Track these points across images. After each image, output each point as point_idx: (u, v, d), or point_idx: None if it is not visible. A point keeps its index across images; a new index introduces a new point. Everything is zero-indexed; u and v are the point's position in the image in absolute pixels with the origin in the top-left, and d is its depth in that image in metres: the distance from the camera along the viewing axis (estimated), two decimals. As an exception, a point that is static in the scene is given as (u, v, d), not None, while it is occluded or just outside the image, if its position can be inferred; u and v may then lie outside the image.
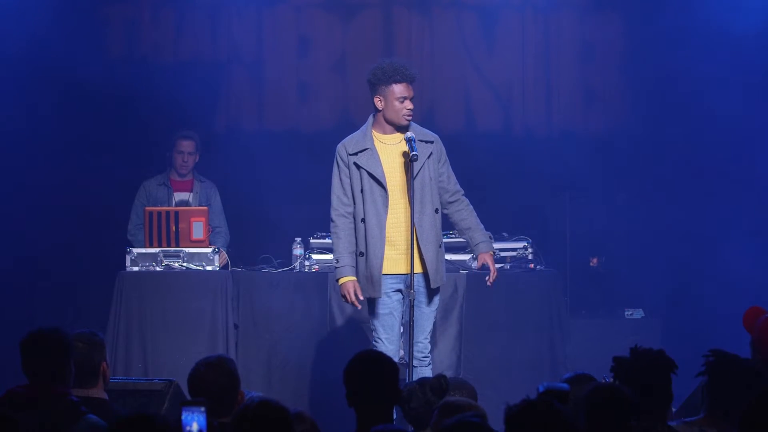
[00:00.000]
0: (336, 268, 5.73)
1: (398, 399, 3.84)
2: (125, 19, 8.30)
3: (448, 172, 5.80)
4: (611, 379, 3.76)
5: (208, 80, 8.25)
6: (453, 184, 5.81)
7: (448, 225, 6.04)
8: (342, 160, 5.69)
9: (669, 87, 8.21)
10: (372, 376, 3.75)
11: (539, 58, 8.49)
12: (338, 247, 5.70)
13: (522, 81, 8.50)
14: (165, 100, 7.93)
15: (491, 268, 5.80)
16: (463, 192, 5.86)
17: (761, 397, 3.03)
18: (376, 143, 5.68)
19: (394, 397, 3.78)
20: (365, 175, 5.62)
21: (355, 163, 5.64)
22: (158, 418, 2.79)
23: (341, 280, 5.68)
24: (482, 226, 5.89)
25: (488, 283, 5.85)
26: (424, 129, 5.80)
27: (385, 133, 5.70)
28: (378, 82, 5.68)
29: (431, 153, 5.69)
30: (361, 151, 5.65)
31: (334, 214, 5.71)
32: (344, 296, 5.68)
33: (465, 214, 5.82)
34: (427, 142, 5.71)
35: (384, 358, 3.88)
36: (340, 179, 5.69)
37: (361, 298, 5.65)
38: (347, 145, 5.70)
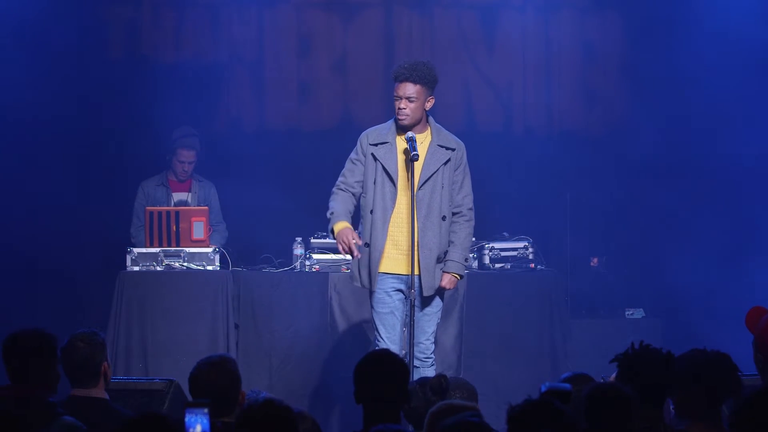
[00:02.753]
0: (329, 220, 5.62)
1: (407, 400, 3.83)
2: (125, 19, 8.29)
3: (461, 183, 5.73)
4: (613, 376, 3.76)
5: (209, 80, 8.25)
6: (462, 197, 5.72)
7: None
8: (361, 147, 5.70)
9: (669, 87, 8.20)
10: (383, 375, 3.74)
11: (539, 58, 8.49)
12: (333, 205, 5.63)
13: (522, 81, 8.50)
14: (165, 100, 7.93)
15: (443, 284, 5.66)
16: (469, 207, 5.75)
17: (750, 398, 3.02)
18: (397, 139, 5.68)
19: (403, 398, 3.78)
20: (380, 168, 5.63)
21: (372, 154, 5.64)
22: (169, 418, 2.76)
23: (336, 227, 5.55)
24: (467, 247, 5.78)
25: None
26: (450, 135, 5.76)
27: (402, 130, 5.69)
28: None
29: (449, 160, 5.66)
30: (381, 144, 5.65)
31: (335, 188, 5.73)
32: (342, 243, 5.50)
33: (456, 228, 5.71)
34: (448, 148, 5.68)
35: (396, 359, 3.88)
36: (353, 163, 5.70)
37: (359, 243, 5.52)
38: (370, 135, 5.71)
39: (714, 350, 3.72)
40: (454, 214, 5.71)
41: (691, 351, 3.73)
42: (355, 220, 5.77)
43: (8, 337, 3.99)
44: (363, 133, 5.75)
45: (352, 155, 5.73)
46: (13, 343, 3.96)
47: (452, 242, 5.69)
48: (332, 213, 5.65)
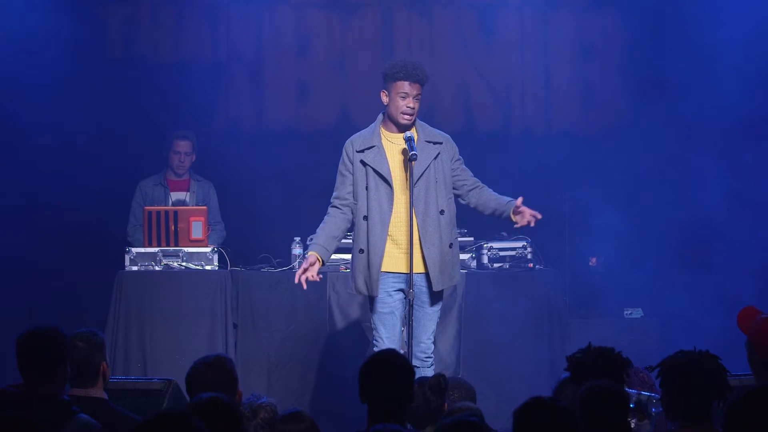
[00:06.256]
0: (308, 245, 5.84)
1: (411, 401, 3.82)
2: (125, 19, 8.30)
3: (461, 168, 5.80)
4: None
5: (208, 80, 8.25)
6: (469, 176, 5.81)
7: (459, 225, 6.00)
8: (348, 156, 5.69)
9: (669, 87, 8.20)
10: (391, 375, 3.75)
11: (539, 58, 8.50)
12: (318, 231, 5.69)
13: (522, 81, 8.50)
14: (165, 100, 7.93)
15: (530, 210, 5.62)
16: (480, 183, 5.84)
17: (745, 398, 3.02)
18: (384, 141, 5.68)
19: (409, 398, 3.77)
20: (371, 172, 5.62)
21: (361, 161, 5.64)
22: (188, 416, 2.73)
23: (308, 253, 5.65)
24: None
25: (532, 223, 5.68)
26: (434, 129, 5.78)
27: (391, 131, 5.69)
28: (386, 77, 5.67)
29: (438, 153, 5.68)
30: (368, 149, 5.65)
31: (330, 205, 5.74)
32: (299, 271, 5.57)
33: (484, 191, 5.78)
34: (435, 143, 5.70)
35: (403, 359, 3.90)
36: (342, 174, 5.71)
37: (310, 278, 5.53)
38: (354, 142, 5.71)
39: (702, 351, 3.72)
40: (473, 189, 5.77)
41: (679, 352, 3.72)
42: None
43: (22, 334, 3.98)
44: (347, 141, 5.74)
45: (340, 167, 5.72)
46: (27, 341, 3.95)
47: (495, 198, 5.75)
48: (311, 240, 5.81)
